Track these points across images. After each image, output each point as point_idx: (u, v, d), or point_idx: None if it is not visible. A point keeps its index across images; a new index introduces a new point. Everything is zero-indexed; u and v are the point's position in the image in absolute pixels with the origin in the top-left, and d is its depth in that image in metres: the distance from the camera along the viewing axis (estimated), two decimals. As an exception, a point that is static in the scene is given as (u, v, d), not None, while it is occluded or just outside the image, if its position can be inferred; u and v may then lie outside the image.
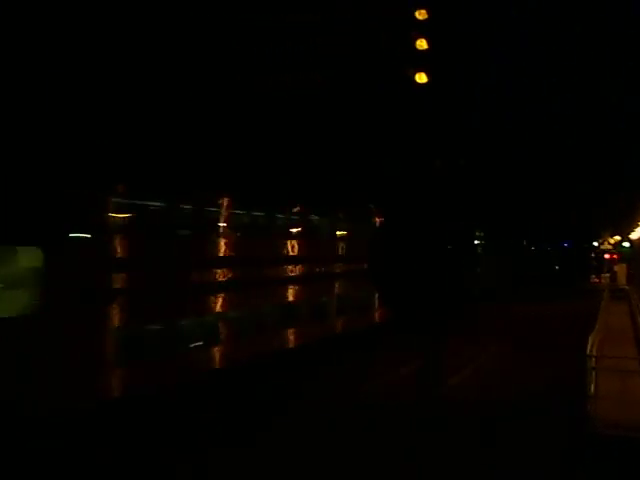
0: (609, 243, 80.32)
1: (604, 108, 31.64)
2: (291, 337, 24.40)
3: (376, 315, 31.01)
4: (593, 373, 15.57)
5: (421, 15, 21.00)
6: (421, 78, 21.11)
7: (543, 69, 30.19)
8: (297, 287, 25.18)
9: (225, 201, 20.85)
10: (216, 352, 20.20)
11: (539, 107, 30.51)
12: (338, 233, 29.12)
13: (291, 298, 24.82)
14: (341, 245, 29.18)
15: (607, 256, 78.44)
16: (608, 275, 66.54)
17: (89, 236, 16.12)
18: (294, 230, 25.78)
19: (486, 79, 28.44)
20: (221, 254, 20.79)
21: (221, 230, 20.90)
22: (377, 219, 31.36)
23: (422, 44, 21.11)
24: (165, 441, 14.38)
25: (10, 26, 16.73)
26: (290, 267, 24.87)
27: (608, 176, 42.76)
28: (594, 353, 16.69)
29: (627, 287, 50.57)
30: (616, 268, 65.25)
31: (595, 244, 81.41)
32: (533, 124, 30.55)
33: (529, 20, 30.70)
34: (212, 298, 20.30)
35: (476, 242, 51.02)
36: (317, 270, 26.87)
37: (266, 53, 22.12)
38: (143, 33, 19.84)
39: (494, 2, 30.31)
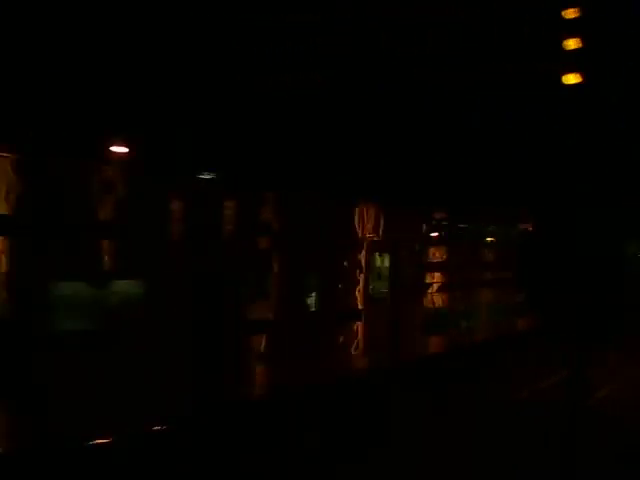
0: None
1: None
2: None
3: (523, 322, 30.84)
4: None
5: (569, 14, 20.54)
6: (568, 79, 20.65)
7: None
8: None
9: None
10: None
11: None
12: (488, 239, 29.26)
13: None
14: (493, 250, 29.24)
15: None
16: None
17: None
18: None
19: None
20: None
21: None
22: (526, 224, 31.22)
23: (570, 44, 20.63)
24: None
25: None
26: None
27: None
28: None
29: None
30: None
31: None
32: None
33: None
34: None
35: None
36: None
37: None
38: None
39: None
